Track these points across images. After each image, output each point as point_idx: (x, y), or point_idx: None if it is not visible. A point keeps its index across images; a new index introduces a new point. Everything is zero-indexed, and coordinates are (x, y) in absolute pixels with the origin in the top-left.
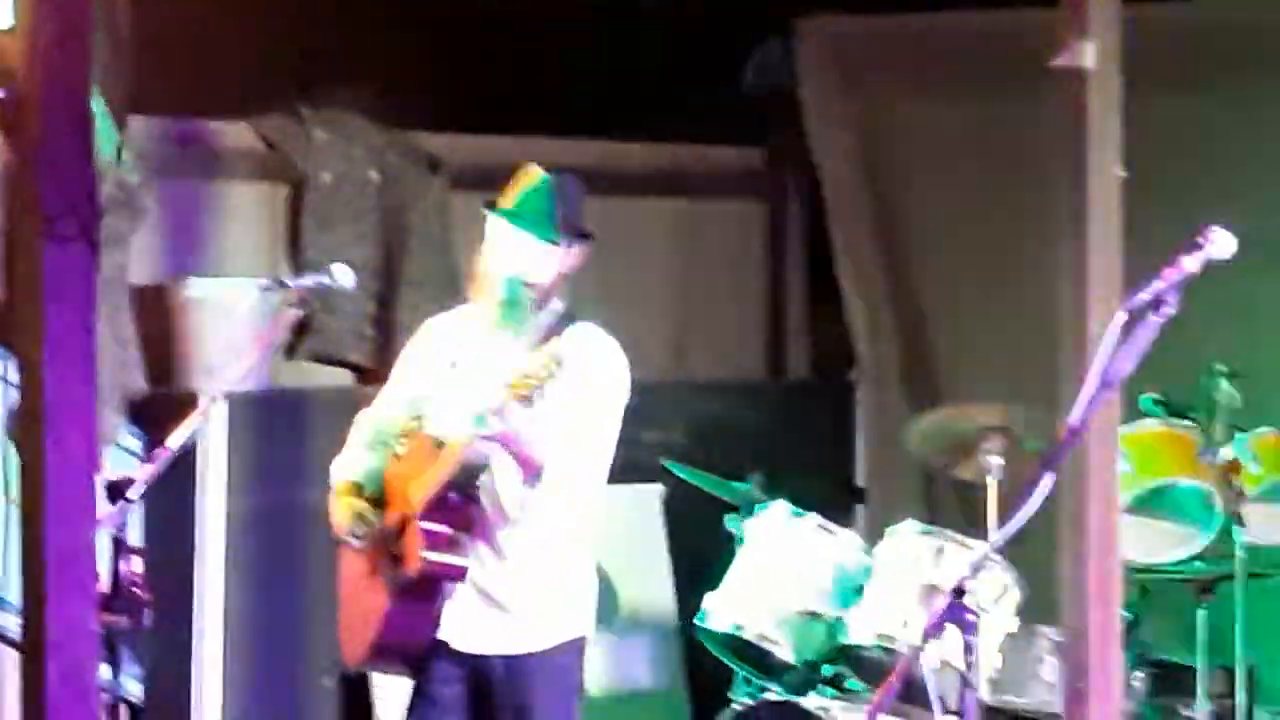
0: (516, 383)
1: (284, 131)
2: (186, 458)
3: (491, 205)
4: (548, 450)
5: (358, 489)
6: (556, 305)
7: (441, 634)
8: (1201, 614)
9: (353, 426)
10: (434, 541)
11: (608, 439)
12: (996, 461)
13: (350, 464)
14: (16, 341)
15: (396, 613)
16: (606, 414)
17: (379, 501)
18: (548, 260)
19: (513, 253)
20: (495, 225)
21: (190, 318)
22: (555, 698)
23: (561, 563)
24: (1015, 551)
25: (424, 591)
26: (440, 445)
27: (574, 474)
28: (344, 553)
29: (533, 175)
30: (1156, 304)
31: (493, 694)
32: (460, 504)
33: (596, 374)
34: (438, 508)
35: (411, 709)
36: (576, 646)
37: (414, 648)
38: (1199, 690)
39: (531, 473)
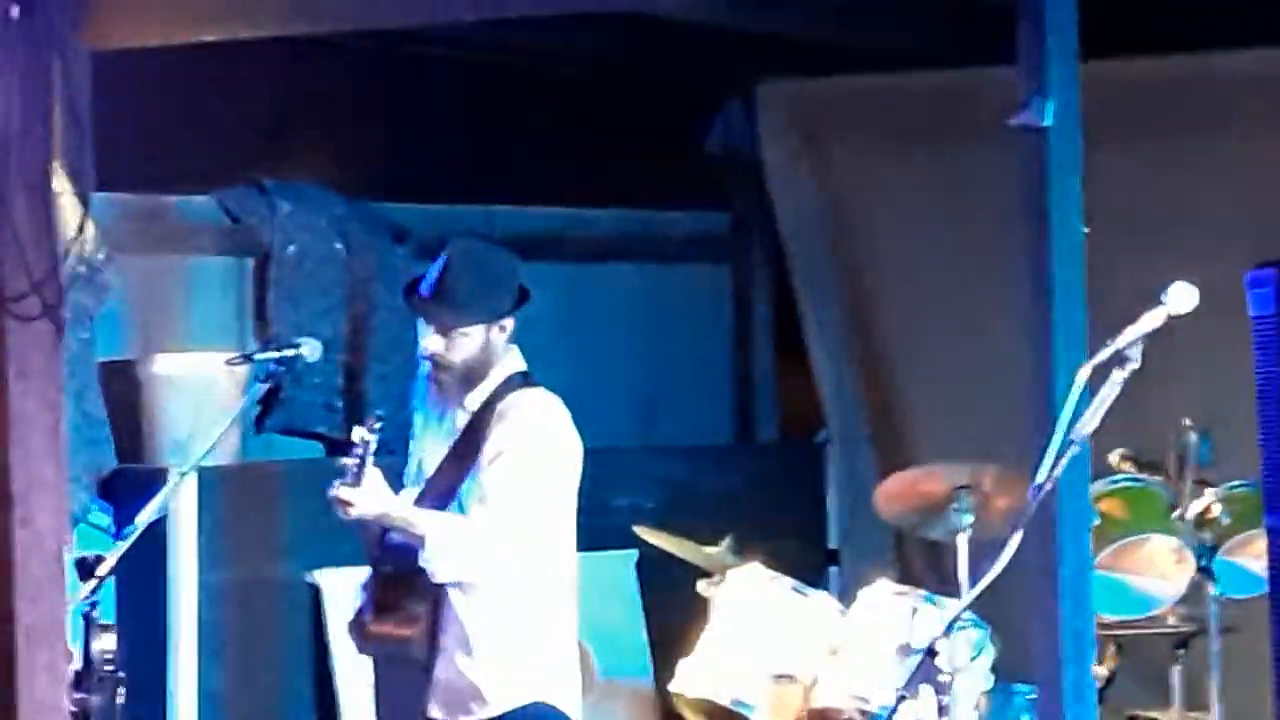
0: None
1: (248, 204)
2: (157, 533)
3: (412, 286)
4: (427, 521)
5: None
6: (501, 372)
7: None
8: (1176, 669)
9: None
10: (382, 612)
11: (523, 501)
12: (966, 520)
13: None
14: None
15: (386, 686)
16: (520, 477)
17: None
18: (464, 341)
19: (427, 336)
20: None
21: (158, 393)
22: None
23: (507, 627)
24: (988, 610)
25: (401, 662)
26: None
27: (477, 536)
28: None
29: (442, 259)
30: (1120, 359)
31: None
32: (396, 576)
33: (513, 440)
34: (386, 581)
35: None
36: (530, 713)
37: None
38: None
39: (418, 544)
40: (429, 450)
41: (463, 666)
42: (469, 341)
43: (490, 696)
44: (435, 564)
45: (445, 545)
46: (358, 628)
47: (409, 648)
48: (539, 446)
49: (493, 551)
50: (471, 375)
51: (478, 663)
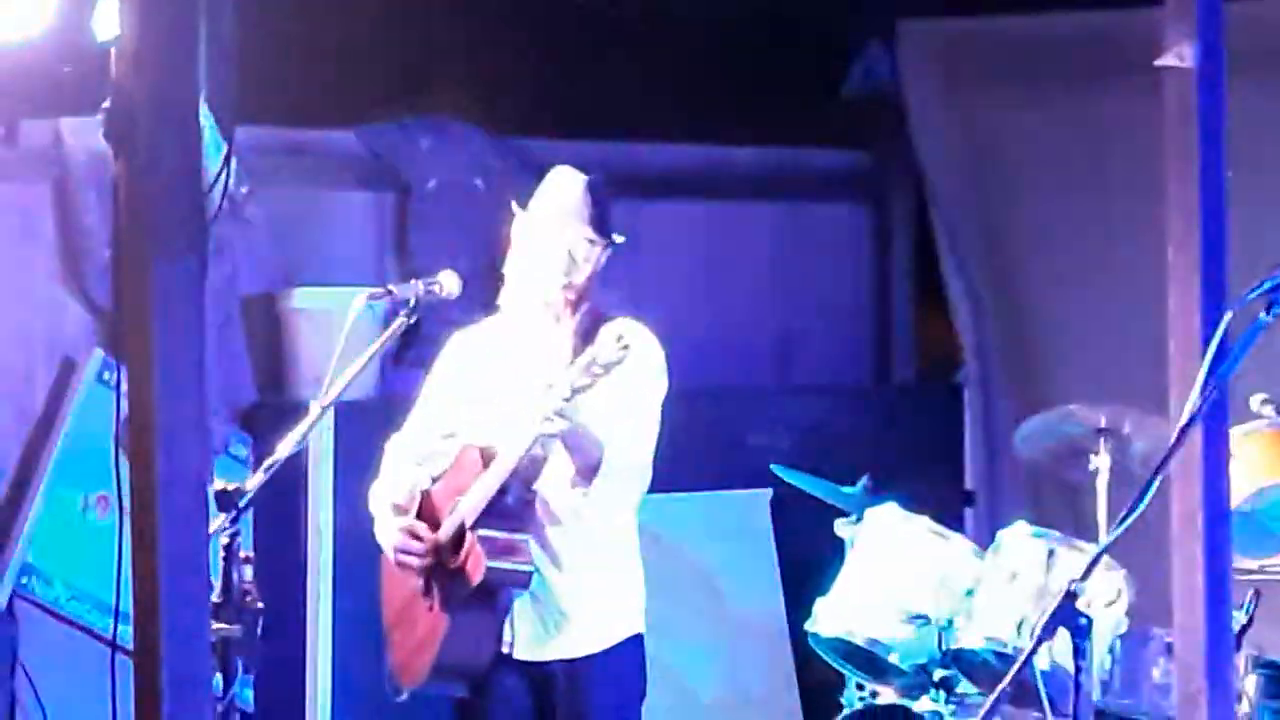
0: (581, 371)
1: (389, 139)
2: (295, 466)
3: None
4: (604, 444)
5: (403, 511)
6: (593, 305)
7: (503, 646)
8: None
9: (386, 450)
10: (496, 549)
11: (655, 434)
12: (1105, 463)
13: (392, 486)
14: (127, 355)
15: (458, 628)
16: (655, 408)
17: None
18: (587, 260)
19: (554, 253)
20: (533, 225)
21: (298, 327)
22: (618, 698)
23: (614, 561)
24: (1127, 553)
25: (486, 602)
26: (488, 455)
27: (631, 467)
28: (389, 576)
29: (568, 175)
30: (1266, 304)
31: (555, 702)
32: (517, 509)
33: (645, 367)
34: (494, 516)
35: None
36: (634, 644)
37: (479, 662)
38: None
39: (588, 469)
40: (509, 373)
41: (565, 599)
42: (587, 263)
43: (595, 629)
44: (605, 484)
45: (619, 466)
46: (458, 557)
47: (523, 578)
48: (662, 383)
49: (644, 477)
50: (582, 295)
51: (583, 593)
